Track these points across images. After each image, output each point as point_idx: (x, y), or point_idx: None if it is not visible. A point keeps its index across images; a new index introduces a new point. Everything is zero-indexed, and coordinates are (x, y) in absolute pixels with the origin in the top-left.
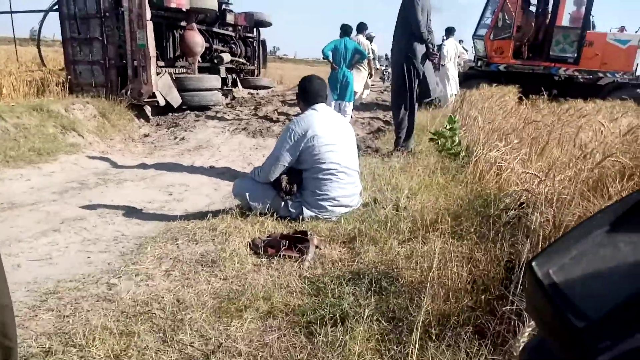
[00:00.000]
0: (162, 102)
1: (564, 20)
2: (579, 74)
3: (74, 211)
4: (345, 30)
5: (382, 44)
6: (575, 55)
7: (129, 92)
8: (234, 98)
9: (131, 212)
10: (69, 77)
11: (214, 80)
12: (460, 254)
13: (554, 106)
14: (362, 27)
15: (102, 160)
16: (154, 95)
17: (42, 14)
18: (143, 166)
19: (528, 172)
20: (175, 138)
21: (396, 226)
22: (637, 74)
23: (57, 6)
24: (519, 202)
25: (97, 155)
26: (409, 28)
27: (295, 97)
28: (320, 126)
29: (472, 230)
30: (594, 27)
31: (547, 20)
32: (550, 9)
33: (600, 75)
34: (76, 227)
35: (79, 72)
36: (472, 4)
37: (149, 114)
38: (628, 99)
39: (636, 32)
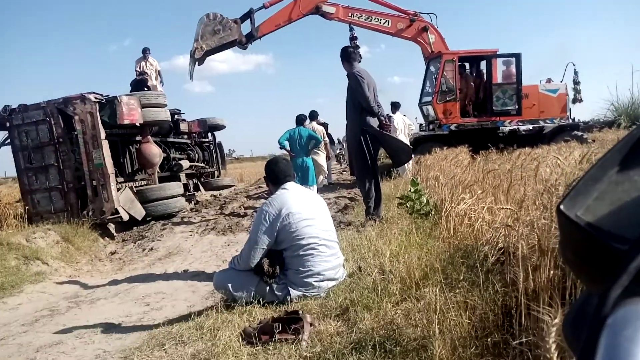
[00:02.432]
0: (125, 217)
1: (498, 77)
2: (522, 124)
3: (49, 338)
4: (299, 119)
5: (332, 130)
6: (517, 106)
7: (90, 213)
8: (197, 202)
9: (110, 328)
10: (27, 207)
11: (175, 188)
12: (456, 304)
13: (506, 155)
14: (314, 115)
15: (71, 284)
16: (116, 212)
17: None
18: (114, 282)
19: (503, 207)
20: (144, 250)
21: (386, 289)
22: (572, 116)
23: (8, 140)
24: (498, 248)
25: (65, 280)
26: (359, 105)
27: (258, 192)
28: (293, 203)
29: (462, 278)
30: None
31: (484, 80)
32: (484, 70)
33: (542, 123)
34: (54, 353)
35: (37, 201)
36: (406, 83)
37: (113, 231)
38: (570, 140)
39: (561, 81)
